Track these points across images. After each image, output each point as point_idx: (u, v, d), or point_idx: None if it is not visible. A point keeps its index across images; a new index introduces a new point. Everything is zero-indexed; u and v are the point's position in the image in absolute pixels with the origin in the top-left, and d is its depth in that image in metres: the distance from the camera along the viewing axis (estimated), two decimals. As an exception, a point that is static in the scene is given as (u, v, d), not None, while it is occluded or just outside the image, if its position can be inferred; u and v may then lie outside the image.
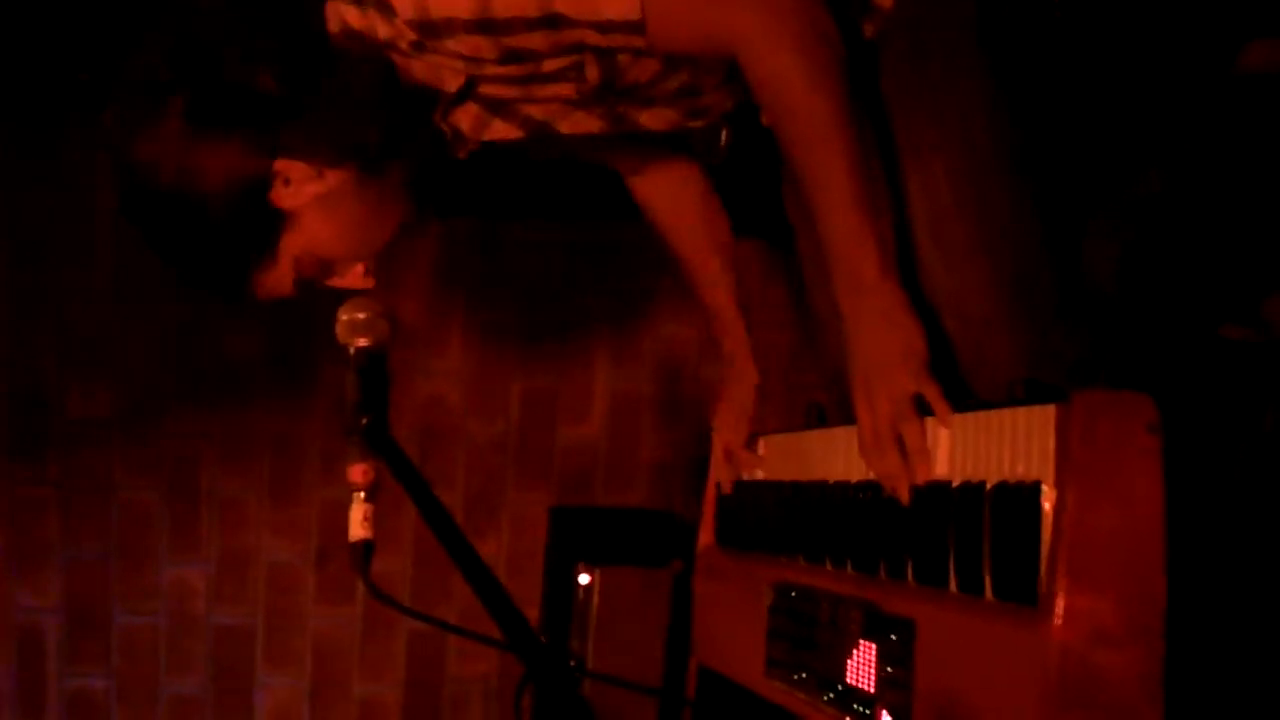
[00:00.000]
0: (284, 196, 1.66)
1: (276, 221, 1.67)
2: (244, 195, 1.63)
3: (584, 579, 2.96)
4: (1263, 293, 2.34)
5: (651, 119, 1.88)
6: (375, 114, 1.68)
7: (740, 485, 2.14)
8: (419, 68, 1.71)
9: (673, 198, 2.17)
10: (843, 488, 1.74)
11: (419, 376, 3.46)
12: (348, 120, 1.66)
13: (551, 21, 1.61)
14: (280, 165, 1.64)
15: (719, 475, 2.19)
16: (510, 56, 1.67)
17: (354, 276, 1.79)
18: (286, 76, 1.62)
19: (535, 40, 1.64)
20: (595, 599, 2.93)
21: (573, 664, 2.97)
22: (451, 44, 1.64)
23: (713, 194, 2.19)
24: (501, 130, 1.82)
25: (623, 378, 3.55)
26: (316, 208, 1.68)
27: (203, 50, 1.61)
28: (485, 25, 1.61)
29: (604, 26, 1.62)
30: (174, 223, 1.65)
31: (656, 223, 2.20)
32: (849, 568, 1.69)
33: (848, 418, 1.69)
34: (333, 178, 1.67)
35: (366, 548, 1.59)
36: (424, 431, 3.47)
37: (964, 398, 1.79)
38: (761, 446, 2.12)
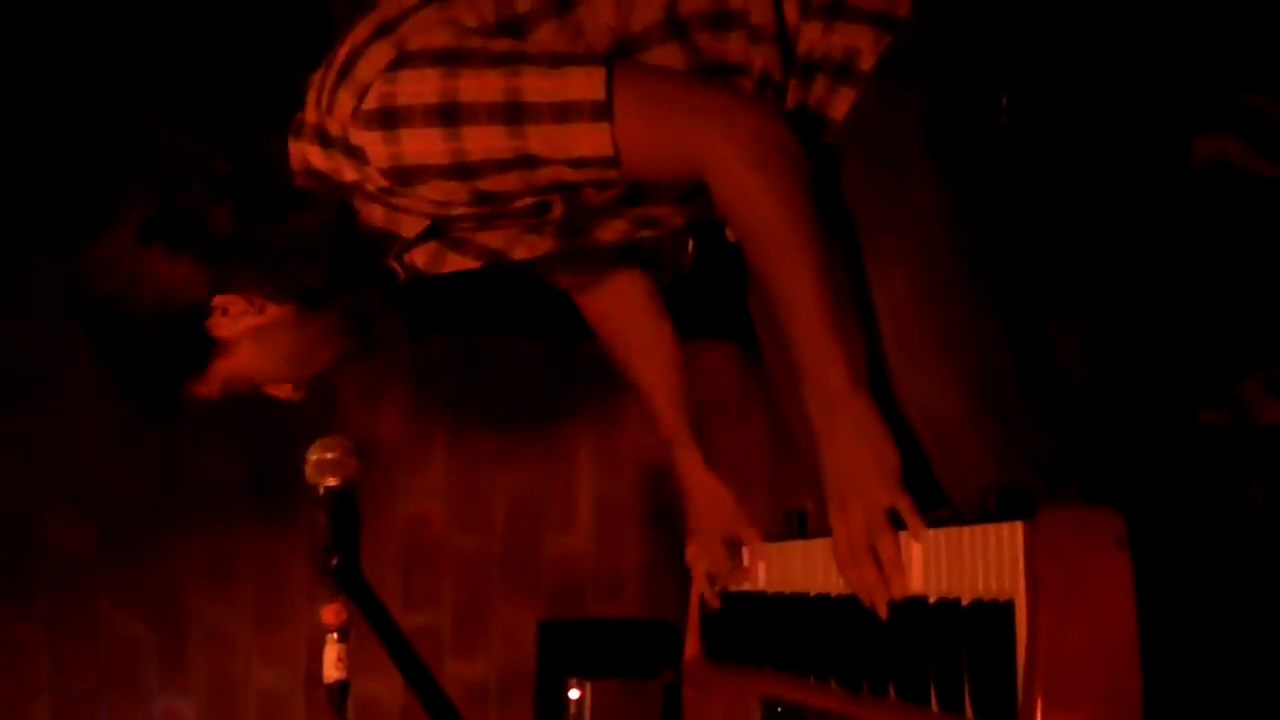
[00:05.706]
0: (221, 326, 1.71)
1: (210, 347, 1.71)
2: (181, 318, 1.68)
3: (574, 694, 2.93)
4: (1237, 376, 2.35)
5: (604, 232, 1.89)
6: (323, 260, 1.70)
7: (724, 596, 2.12)
8: (379, 213, 1.72)
9: (617, 311, 2.15)
10: (824, 600, 1.73)
11: (401, 495, 3.44)
12: (295, 264, 1.68)
13: (526, 162, 1.62)
14: (219, 300, 1.68)
15: (702, 591, 2.16)
16: (481, 199, 1.68)
17: (283, 389, 1.81)
18: (242, 216, 1.65)
19: (509, 181, 1.65)
20: (587, 714, 2.90)
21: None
22: (424, 190, 1.65)
23: (659, 306, 2.17)
24: (457, 263, 1.83)
25: (607, 484, 3.53)
26: (252, 339, 1.72)
27: (171, 176, 1.68)
28: (460, 170, 1.62)
29: (578, 163, 1.63)
30: (112, 328, 1.70)
31: (604, 336, 2.19)
32: (833, 683, 1.67)
33: (828, 523, 1.68)
34: (272, 313, 1.72)
35: (342, 689, 1.58)
36: (409, 550, 3.44)
37: (938, 501, 1.78)
38: (746, 557, 2.09)
